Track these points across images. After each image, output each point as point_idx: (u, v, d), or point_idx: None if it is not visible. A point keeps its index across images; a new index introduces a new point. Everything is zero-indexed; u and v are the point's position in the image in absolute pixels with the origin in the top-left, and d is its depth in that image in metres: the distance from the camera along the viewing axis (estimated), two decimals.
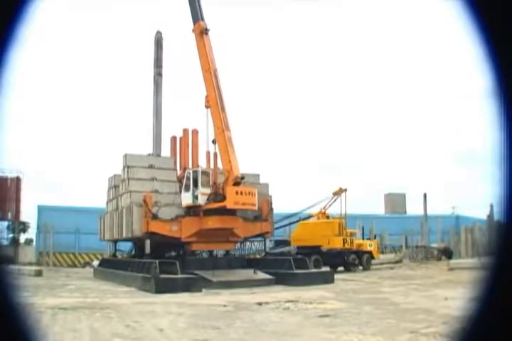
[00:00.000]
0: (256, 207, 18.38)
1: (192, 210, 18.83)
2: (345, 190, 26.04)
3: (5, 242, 33.98)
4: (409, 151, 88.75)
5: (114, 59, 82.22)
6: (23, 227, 38.21)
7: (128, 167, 20.23)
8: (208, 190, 18.48)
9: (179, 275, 14.83)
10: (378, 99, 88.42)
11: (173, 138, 23.35)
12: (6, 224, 35.23)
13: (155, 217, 18.35)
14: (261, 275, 17.38)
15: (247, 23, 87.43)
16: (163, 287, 13.92)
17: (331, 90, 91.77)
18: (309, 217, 27.69)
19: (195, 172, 19.02)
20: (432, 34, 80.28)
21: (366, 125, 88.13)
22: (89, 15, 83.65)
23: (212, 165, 19.30)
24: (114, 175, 22.82)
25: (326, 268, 21.80)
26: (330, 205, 26.48)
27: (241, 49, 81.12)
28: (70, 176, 62.26)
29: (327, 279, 17.48)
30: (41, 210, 35.27)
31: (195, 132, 22.74)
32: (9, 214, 33.62)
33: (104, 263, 24.40)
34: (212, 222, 18.02)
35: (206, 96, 19.43)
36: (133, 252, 23.49)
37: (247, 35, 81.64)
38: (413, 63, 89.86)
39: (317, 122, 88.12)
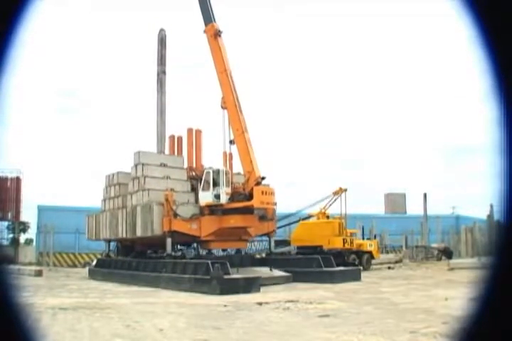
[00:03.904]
0: (274, 207, 18.72)
1: (210, 209, 18.91)
2: (345, 189, 26.01)
3: (5, 242, 33.97)
4: (410, 151, 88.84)
5: (117, 57, 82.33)
6: (23, 227, 38.18)
7: (142, 164, 20.08)
8: (229, 190, 18.68)
9: (240, 276, 14.68)
10: (379, 98, 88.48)
11: (172, 138, 23.19)
12: (6, 224, 35.24)
13: (175, 215, 18.37)
14: (278, 272, 17.56)
15: (244, 23, 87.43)
16: (226, 288, 13.48)
17: (331, 89, 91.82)
18: (309, 216, 27.64)
19: (215, 172, 18.98)
20: (432, 34, 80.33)
21: (367, 124, 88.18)
22: (93, 14, 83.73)
23: (228, 166, 19.55)
24: (118, 173, 22.52)
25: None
26: (330, 205, 26.44)
27: (239, 49, 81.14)
28: (70, 176, 62.38)
29: (356, 276, 18.18)
30: (41, 210, 35.23)
31: (198, 132, 22.68)
32: (9, 214, 33.57)
33: (105, 264, 23.15)
34: (235, 221, 18.24)
35: (222, 98, 19.42)
36: (116, 252, 23.36)
37: (244, 35, 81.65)
38: (413, 64, 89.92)
39: (316, 121, 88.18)
